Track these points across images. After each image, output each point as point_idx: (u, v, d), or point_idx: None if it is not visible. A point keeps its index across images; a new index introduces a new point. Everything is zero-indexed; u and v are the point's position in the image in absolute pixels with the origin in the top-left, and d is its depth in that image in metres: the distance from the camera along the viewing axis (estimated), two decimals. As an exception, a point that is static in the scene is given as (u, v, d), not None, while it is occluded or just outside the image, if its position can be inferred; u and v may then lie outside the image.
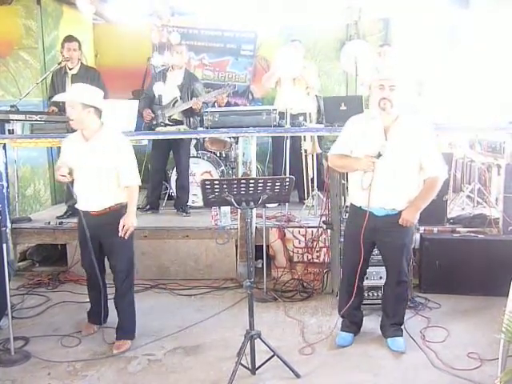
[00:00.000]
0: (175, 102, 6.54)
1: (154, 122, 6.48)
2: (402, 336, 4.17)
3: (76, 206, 4.33)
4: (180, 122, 6.55)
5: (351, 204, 4.21)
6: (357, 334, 4.34)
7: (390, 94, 3.88)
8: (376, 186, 3.90)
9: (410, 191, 3.96)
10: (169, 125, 6.47)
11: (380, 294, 4.68)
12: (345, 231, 4.51)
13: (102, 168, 4.14)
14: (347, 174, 4.42)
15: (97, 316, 4.59)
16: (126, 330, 4.35)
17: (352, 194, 4.19)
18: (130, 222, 4.14)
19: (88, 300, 4.68)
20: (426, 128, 4.04)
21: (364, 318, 4.63)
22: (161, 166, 6.89)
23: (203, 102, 6.47)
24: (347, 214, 4.50)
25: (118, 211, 4.21)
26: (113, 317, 4.55)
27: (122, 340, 4.30)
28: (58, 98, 4.39)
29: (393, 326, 4.19)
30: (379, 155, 3.85)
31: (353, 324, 4.33)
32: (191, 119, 6.62)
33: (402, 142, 3.90)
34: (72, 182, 4.28)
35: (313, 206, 6.40)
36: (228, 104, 8.44)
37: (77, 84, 4.33)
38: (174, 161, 6.89)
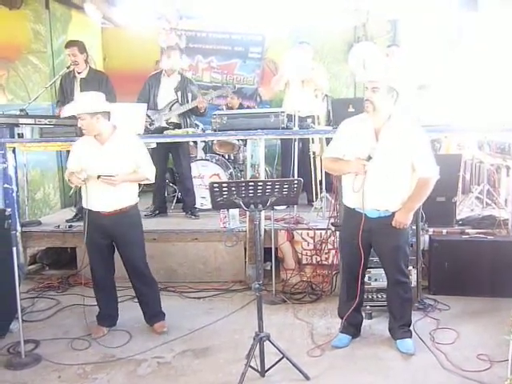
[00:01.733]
0: (172, 106, 6.57)
1: (152, 128, 6.49)
2: (411, 338, 4.16)
3: (86, 206, 4.42)
4: (178, 125, 6.58)
5: (345, 206, 4.20)
6: (356, 337, 4.33)
7: (373, 95, 3.89)
8: (368, 187, 3.90)
9: (402, 192, 3.96)
10: (169, 128, 6.50)
11: (388, 296, 4.69)
12: (340, 234, 4.51)
13: (118, 171, 4.28)
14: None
15: (108, 318, 4.66)
16: (161, 312, 4.71)
17: (345, 196, 4.19)
18: None
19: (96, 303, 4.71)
20: (417, 128, 4.03)
21: (373, 320, 4.65)
22: (161, 170, 6.82)
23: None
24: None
25: (128, 212, 4.45)
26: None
27: (161, 321, 4.65)
28: (65, 113, 4.51)
29: (401, 327, 4.18)
30: (369, 158, 3.85)
31: (351, 326, 4.31)
32: (188, 121, 6.63)
33: (393, 143, 3.89)
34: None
35: (321, 207, 6.39)
36: (241, 106, 8.48)
37: (79, 95, 4.42)
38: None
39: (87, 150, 4.38)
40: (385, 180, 3.89)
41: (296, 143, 6.56)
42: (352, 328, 4.32)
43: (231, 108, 8.31)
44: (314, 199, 6.77)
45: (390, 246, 4.05)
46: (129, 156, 4.36)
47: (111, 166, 4.27)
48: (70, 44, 6.52)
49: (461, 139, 7.17)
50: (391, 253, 4.06)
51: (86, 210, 4.42)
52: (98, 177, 4.24)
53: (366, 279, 4.55)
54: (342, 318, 4.32)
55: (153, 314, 4.68)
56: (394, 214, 3.96)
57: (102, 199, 4.31)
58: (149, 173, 4.49)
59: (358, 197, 3.94)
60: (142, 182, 4.63)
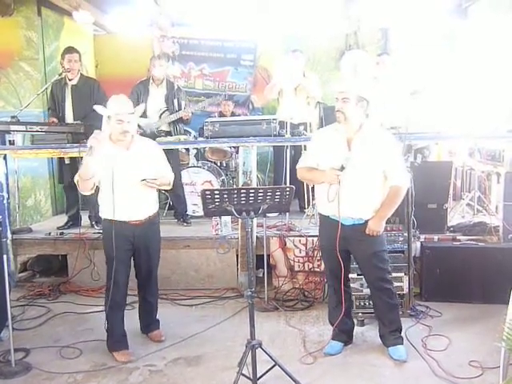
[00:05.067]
0: (162, 114, 6.56)
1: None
2: (402, 344, 4.16)
3: (112, 217, 4.19)
4: (168, 133, 6.56)
5: (320, 214, 4.24)
6: (348, 344, 4.33)
7: (343, 106, 3.94)
8: (342, 196, 3.92)
9: (375, 200, 4.00)
10: (161, 135, 6.47)
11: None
12: (319, 242, 4.53)
13: (145, 175, 4.23)
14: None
15: (124, 338, 4.39)
16: (157, 320, 4.70)
17: (319, 205, 4.22)
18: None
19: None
20: (389, 137, 4.10)
21: (365, 327, 4.65)
22: None
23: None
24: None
25: (155, 218, 4.47)
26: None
27: (158, 330, 4.65)
28: (138, 110, 4.41)
29: (392, 333, 4.18)
30: (342, 168, 3.88)
31: (342, 333, 4.31)
32: (177, 127, 6.62)
33: (365, 152, 3.93)
34: (97, 191, 4.30)
35: (313, 214, 6.38)
36: (233, 114, 8.48)
37: (123, 98, 4.26)
38: None
39: (111, 154, 4.17)
40: (358, 189, 3.93)
41: (288, 150, 6.57)
42: (344, 335, 4.32)
43: (224, 115, 8.31)
44: (306, 206, 6.77)
45: (366, 253, 4.07)
46: (153, 161, 4.35)
47: (138, 172, 4.20)
48: (73, 50, 6.50)
49: (452, 146, 7.21)
50: (368, 259, 4.08)
51: (112, 220, 4.19)
52: (143, 180, 4.19)
53: (357, 286, 4.58)
54: (332, 325, 4.32)
55: (150, 323, 4.67)
56: (367, 221, 3.99)
57: (133, 208, 4.22)
58: (171, 178, 4.50)
59: (333, 205, 3.96)
60: (163, 188, 4.60)
